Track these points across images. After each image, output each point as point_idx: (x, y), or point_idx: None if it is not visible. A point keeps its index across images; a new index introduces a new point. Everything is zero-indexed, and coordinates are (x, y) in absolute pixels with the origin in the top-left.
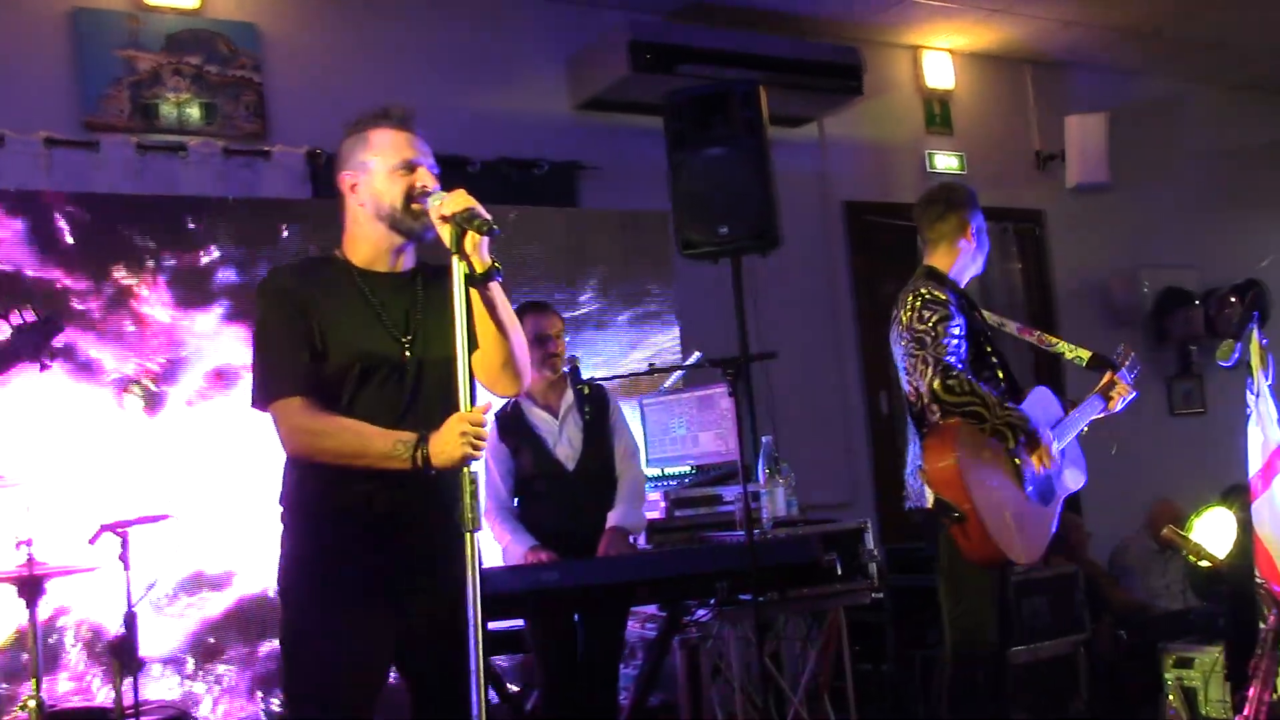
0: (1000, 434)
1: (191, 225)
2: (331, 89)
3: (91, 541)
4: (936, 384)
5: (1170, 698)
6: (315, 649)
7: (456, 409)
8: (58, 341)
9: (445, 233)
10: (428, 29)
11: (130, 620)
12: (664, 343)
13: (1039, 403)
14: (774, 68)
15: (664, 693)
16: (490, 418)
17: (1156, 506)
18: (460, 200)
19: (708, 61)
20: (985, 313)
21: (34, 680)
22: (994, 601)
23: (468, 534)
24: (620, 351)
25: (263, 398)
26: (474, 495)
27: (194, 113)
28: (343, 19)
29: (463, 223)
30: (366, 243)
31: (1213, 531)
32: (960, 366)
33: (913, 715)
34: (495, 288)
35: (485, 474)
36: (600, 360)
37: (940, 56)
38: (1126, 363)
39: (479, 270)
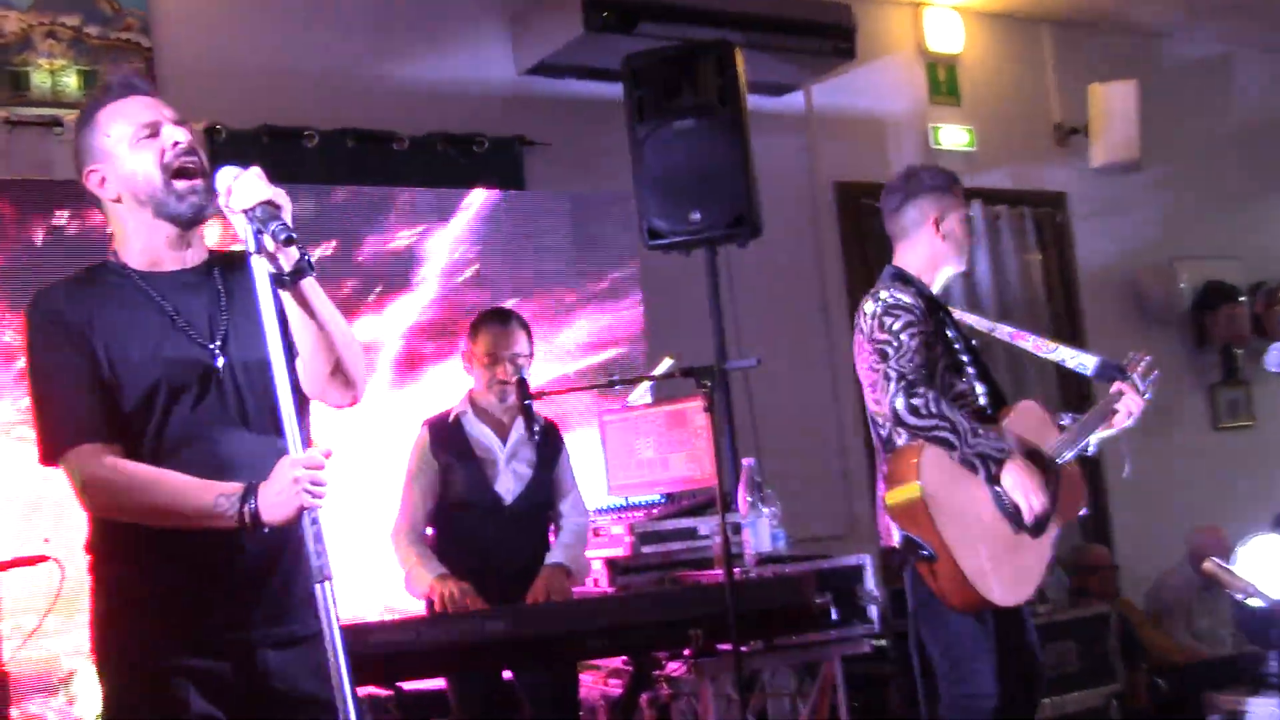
0: (971, 465)
1: (65, 216)
2: (233, 55)
3: None
4: (899, 403)
5: None
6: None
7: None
8: None
9: (239, 225)
10: None
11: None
12: (627, 349)
13: (1026, 422)
14: (751, 26)
15: None
16: (325, 460)
17: (1199, 535)
18: (254, 189)
19: (674, 20)
20: (973, 317)
21: None
22: (987, 648)
23: (317, 585)
24: (575, 359)
25: (49, 450)
26: (318, 539)
27: (71, 82)
28: None
29: (258, 223)
30: (139, 241)
31: (1263, 564)
32: (921, 387)
33: None
34: (310, 284)
35: (404, 489)
36: (551, 369)
37: (946, 14)
38: (1139, 369)
39: (286, 268)
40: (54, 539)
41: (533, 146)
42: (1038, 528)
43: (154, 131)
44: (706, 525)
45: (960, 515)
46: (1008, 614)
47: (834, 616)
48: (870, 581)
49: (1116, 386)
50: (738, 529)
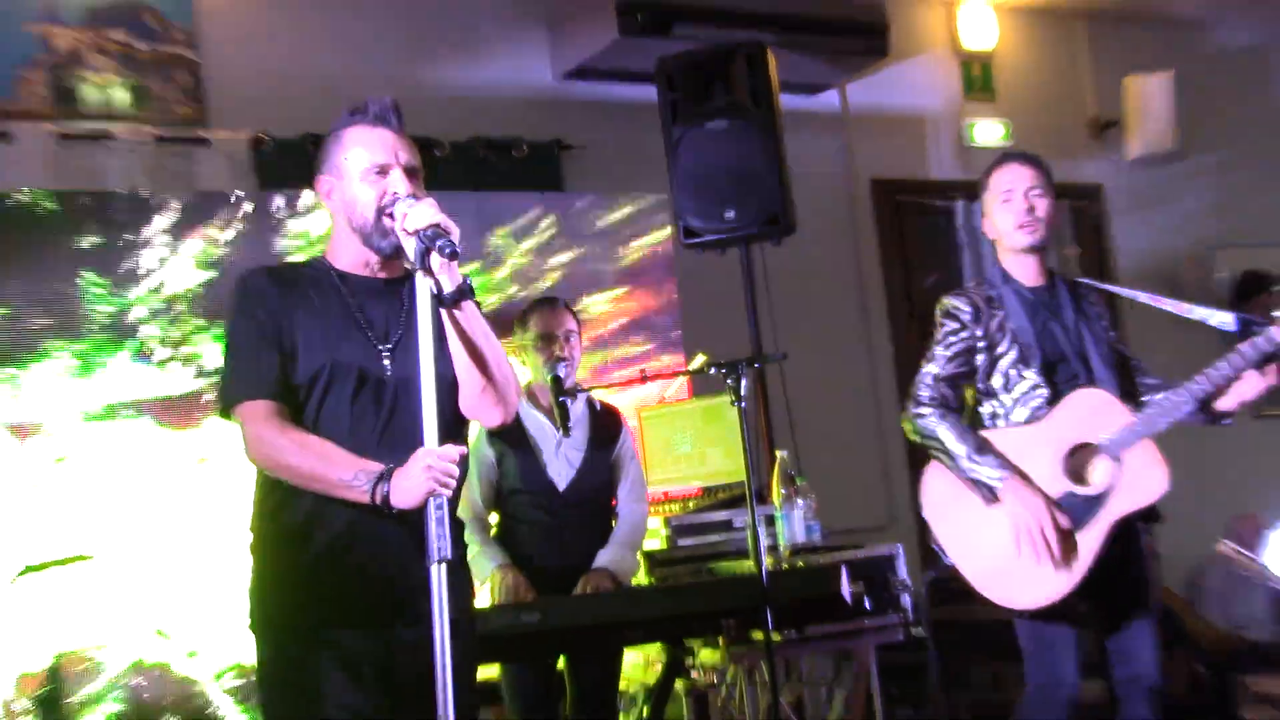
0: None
1: (119, 225)
2: (279, 65)
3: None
4: (904, 422)
5: None
6: (295, 681)
7: (448, 430)
8: None
9: (409, 246)
10: None
11: (56, 671)
12: (664, 346)
13: (1079, 412)
14: (784, 26)
15: None
16: (459, 456)
17: (1239, 521)
18: (425, 215)
19: (707, 21)
20: (1111, 286)
21: None
22: (1067, 636)
23: (433, 566)
24: (612, 356)
25: (225, 401)
26: (440, 523)
27: (120, 95)
28: None
29: (426, 241)
30: (347, 249)
31: None
32: (926, 408)
33: None
34: (469, 308)
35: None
36: (590, 365)
37: (980, 10)
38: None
39: (447, 289)
40: None
41: (571, 150)
42: (1077, 521)
43: (384, 172)
44: (741, 517)
45: (961, 525)
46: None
47: (867, 606)
48: (904, 571)
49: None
50: (771, 521)
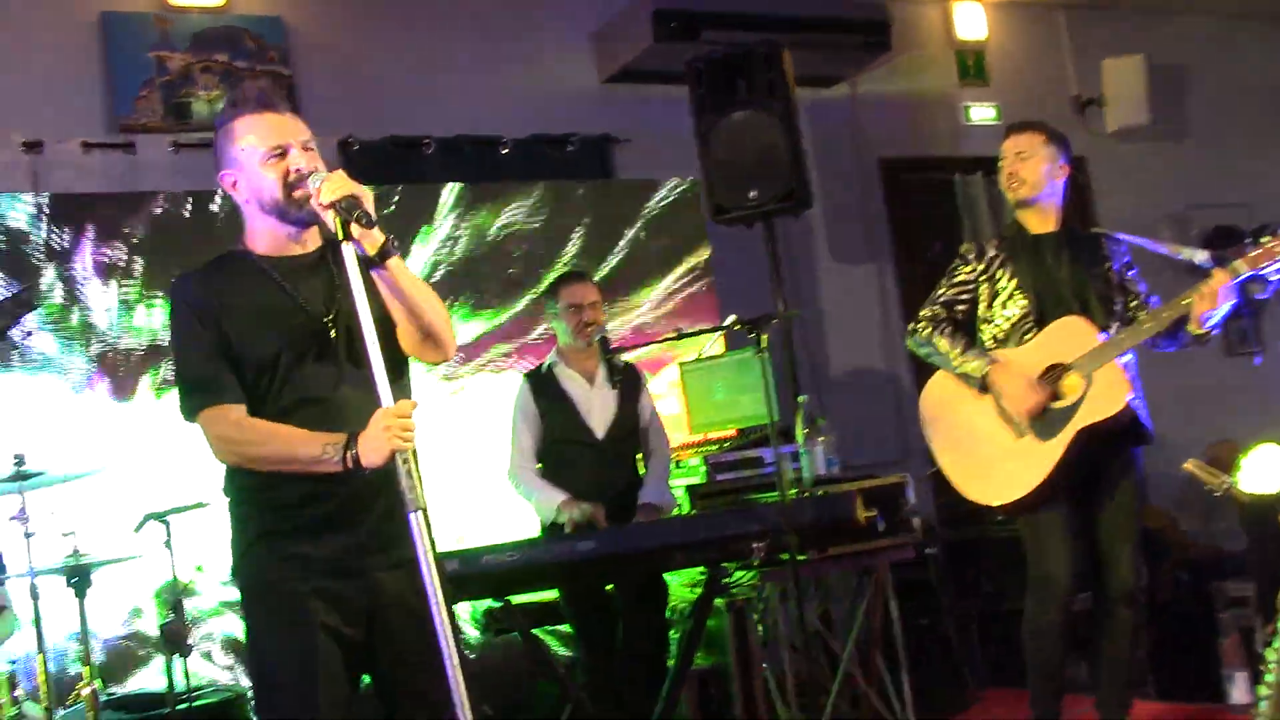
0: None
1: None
2: (359, 75)
3: (136, 530)
4: (907, 339)
5: (1225, 639)
6: (279, 642)
7: (394, 376)
8: (29, 322)
9: (328, 218)
10: (451, 8)
11: (178, 605)
12: (702, 309)
13: (1059, 335)
14: (800, 28)
15: (713, 655)
16: (412, 411)
17: (1216, 447)
18: (340, 186)
19: (732, 26)
20: (1125, 235)
21: (87, 668)
22: (1058, 535)
23: (412, 514)
24: (657, 319)
25: (187, 411)
26: (410, 475)
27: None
28: (366, 3)
29: (344, 213)
30: (265, 235)
31: (1262, 468)
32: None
33: (968, 668)
34: (395, 263)
35: (513, 433)
36: (637, 329)
37: (972, 8)
38: (1248, 261)
39: (371, 253)
40: None
41: (617, 142)
42: (1046, 432)
43: (282, 153)
44: (770, 454)
45: (952, 427)
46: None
47: (880, 528)
48: (912, 496)
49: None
50: (796, 457)
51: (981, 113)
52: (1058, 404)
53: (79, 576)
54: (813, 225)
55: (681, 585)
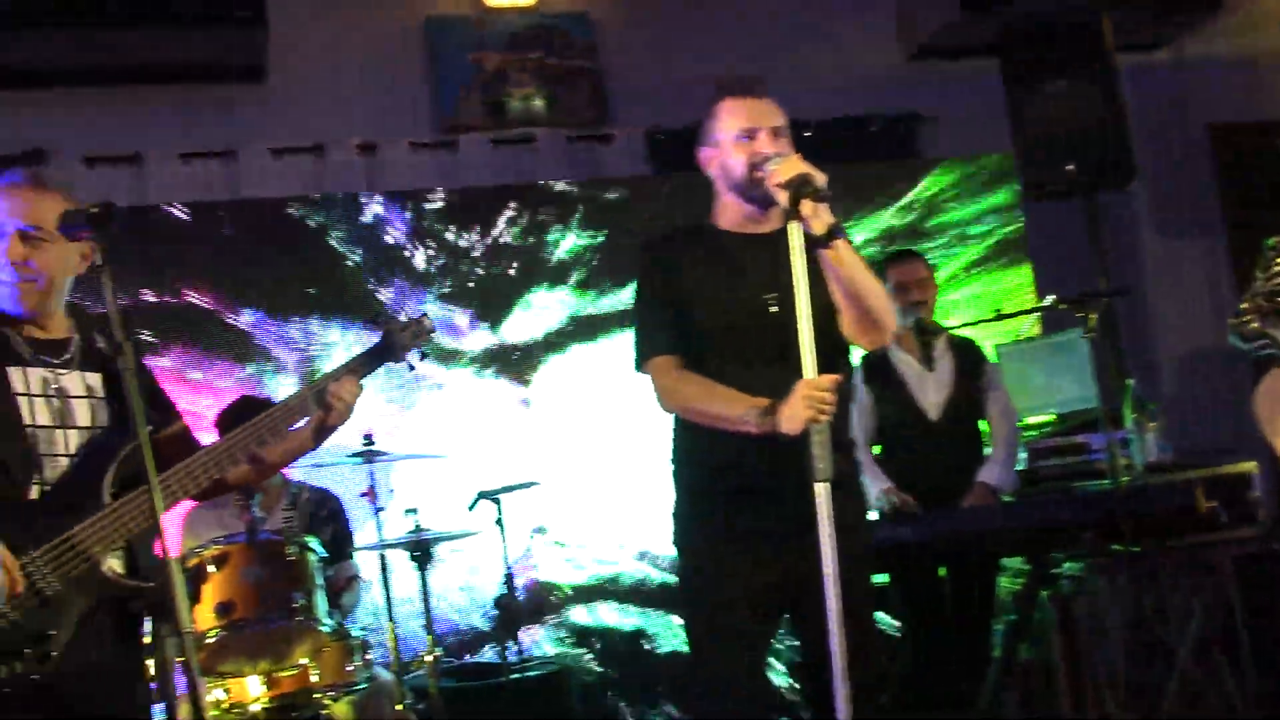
0: None
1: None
2: (665, 66)
3: (470, 509)
4: (1230, 330)
5: None
6: (711, 592)
7: (830, 359)
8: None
9: (782, 198)
10: None
11: (510, 580)
12: (1017, 288)
13: None
14: None
15: (1037, 647)
16: (833, 385)
17: None
18: (792, 166)
19: None
20: None
21: (429, 637)
22: None
23: (816, 484)
24: (972, 300)
25: (638, 359)
26: (822, 446)
27: (539, 105)
28: None
29: (795, 189)
30: (729, 210)
31: None
32: (1252, 306)
33: None
34: (841, 246)
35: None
36: (952, 309)
37: None
38: None
39: (819, 232)
40: None
41: (923, 121)
42: None
43: (751, 136)
44: (1096, 440)
45: None
46: None
47: (1222, 519)
48: (1258, 486)
49: None
50: (1125, 443)
51: None
52: None
53: (421, 550)
54: (1136, 199)
55: (1003, 575)
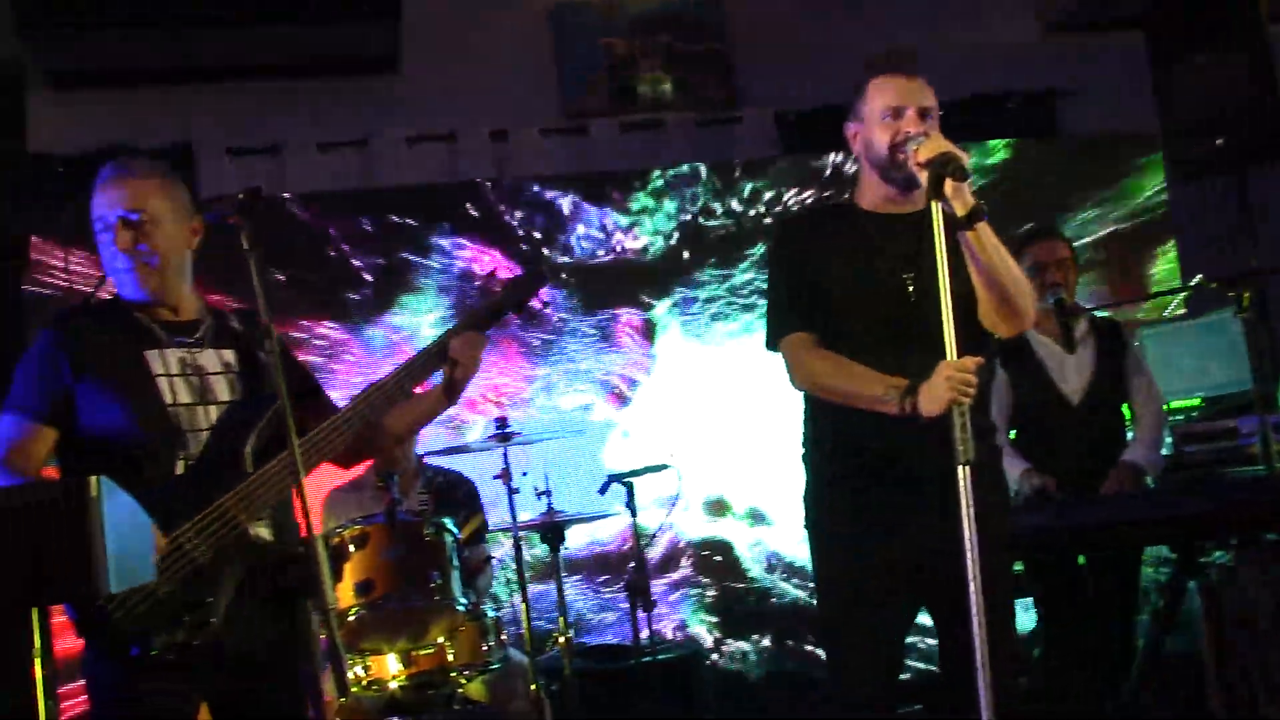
0: None
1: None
2: (794, 47)
3: (601, 491)
4: None
5: None
6: (839, 571)
7: (969, 342)
8: (544, 295)
9: (924, 178)
10: None
11: (640, 562)
12: (1161, 268)
13: None
14: None
15: (1185, 639)
16: (976, 367)
17: None
18: (934, 146)
19: None
20: None
21: (561, 618)
22: None
23: (959, 467)
24: (1114, 280)
25: (770, 337)
26: (964, 429)
27: (667, 89)
28: None
29: (938, 168)
30: (871, 189)
31: None
32: None
33: None
34: (982, 229)
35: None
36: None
37: None
38: None
39: (960, 213)
40: None
41: (1062, 97)
42: None
43: (898, 114)
44: (1247, 425)
45: None
46: None
47: None
48: None
49: None
50: (1278, 427)
51: None
52: None
53: (553, 532)
54: None
55: (1147, 565)
